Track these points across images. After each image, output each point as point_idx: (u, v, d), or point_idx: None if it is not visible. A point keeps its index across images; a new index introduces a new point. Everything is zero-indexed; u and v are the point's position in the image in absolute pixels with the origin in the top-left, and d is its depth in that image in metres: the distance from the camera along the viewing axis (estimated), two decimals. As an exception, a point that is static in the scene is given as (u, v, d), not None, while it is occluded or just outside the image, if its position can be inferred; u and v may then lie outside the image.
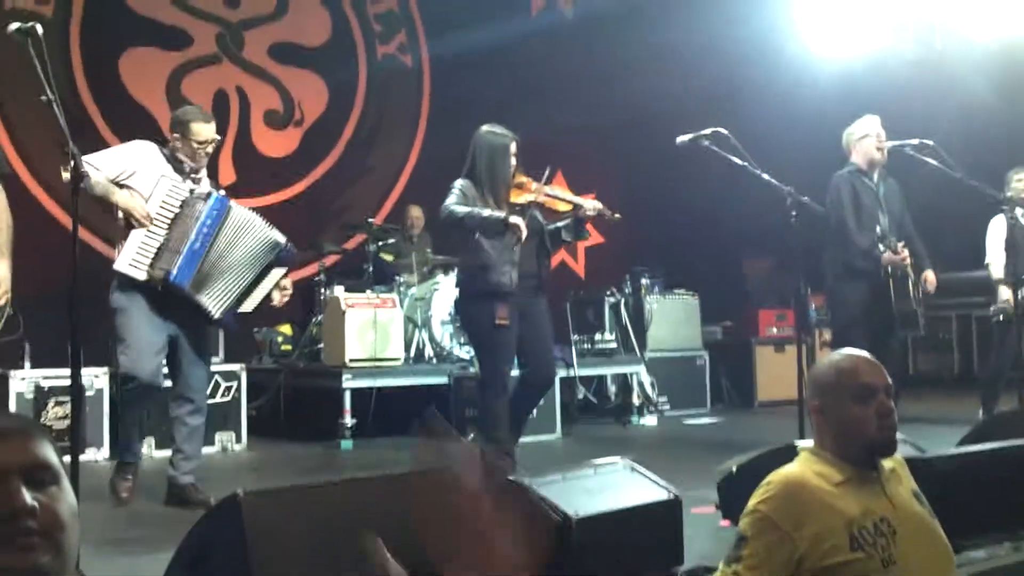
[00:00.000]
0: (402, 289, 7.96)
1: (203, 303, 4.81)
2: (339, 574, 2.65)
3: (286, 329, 8.41)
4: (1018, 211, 6.96)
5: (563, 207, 5.38)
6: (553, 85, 10.43)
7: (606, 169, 10.39)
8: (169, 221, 4.78)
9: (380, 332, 7.35)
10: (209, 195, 4.88)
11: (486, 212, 5.17)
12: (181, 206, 4.79)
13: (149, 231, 4.73)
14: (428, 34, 10.45)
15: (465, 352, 7.57)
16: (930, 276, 6.35)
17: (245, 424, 7.21)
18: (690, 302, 9.36)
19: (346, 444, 7.05)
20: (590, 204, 5.30)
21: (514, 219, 5.11)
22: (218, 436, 7.01)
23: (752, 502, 2.49)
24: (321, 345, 7.72)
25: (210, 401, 6.90)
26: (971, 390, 10.01)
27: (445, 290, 7.79)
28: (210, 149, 4.99)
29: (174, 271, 4.74)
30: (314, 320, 8.08)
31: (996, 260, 7.10)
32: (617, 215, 5.33)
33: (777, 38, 10.21)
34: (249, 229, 4.91)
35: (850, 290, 6.27)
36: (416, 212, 9.20)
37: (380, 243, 8.51)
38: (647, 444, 7.44)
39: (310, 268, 8.84)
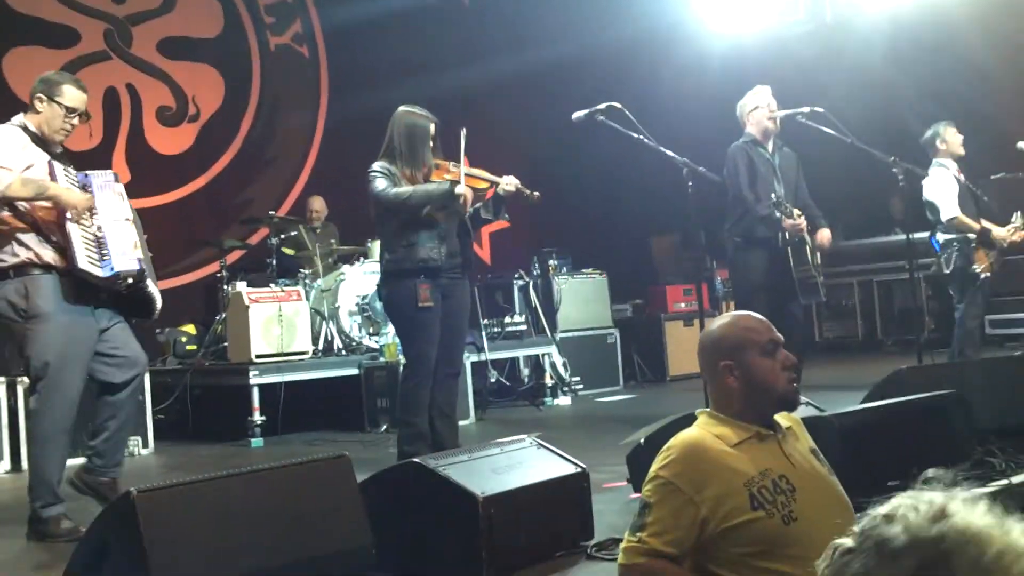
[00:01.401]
0: (307, 281, 7.84)
1: (151, 290, 4.51)
2: (237, 565, 2.60)
3: (190, 329, 8.23)
4: (953, 166, 7.09)
5: (482, 185, 5.32)
6: (451, 68, 10.36)
7: (507, 149, 10.37)
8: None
9: (286, 326, 7.24)
10: (115, 175, 4.58)
11: (429, 186, 5.08)
12: (84, 190, 4.38)
13: (82, 223, 4.28)
14: (324, 24, 10.30)
15: (374, 342, 7.50)
16: (824, 234, 6.41)
17: (151, 428, 7.02)
18: (599, 281, 9.40)
19: (257, 442, 6.93)
20: (507, 180, 5.25)
21: (460, 188, 5.02)
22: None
23: (653, 468, 2.50)
24: (226, 343, 7.57)
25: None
26: (875, 354, 10.30)
27: (351, 280, 7.70)
28: (76, 122, 4.46)
29: (135, 260, 4.36)
30: (218, 318, 7.92)
31: (957, 211, 7.01)
32: (536, 193, 5.30)
33: (672, 13, 10.29)
34: (124, 194, 4.58)
35: (751, 259, 6.33)
36: (318, 204, 9.07)
37: (282, 236, 8.38)
38: (561, 424, 7.47)
39: (212, 266, 8.67)
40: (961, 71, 10.15)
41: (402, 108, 5.30)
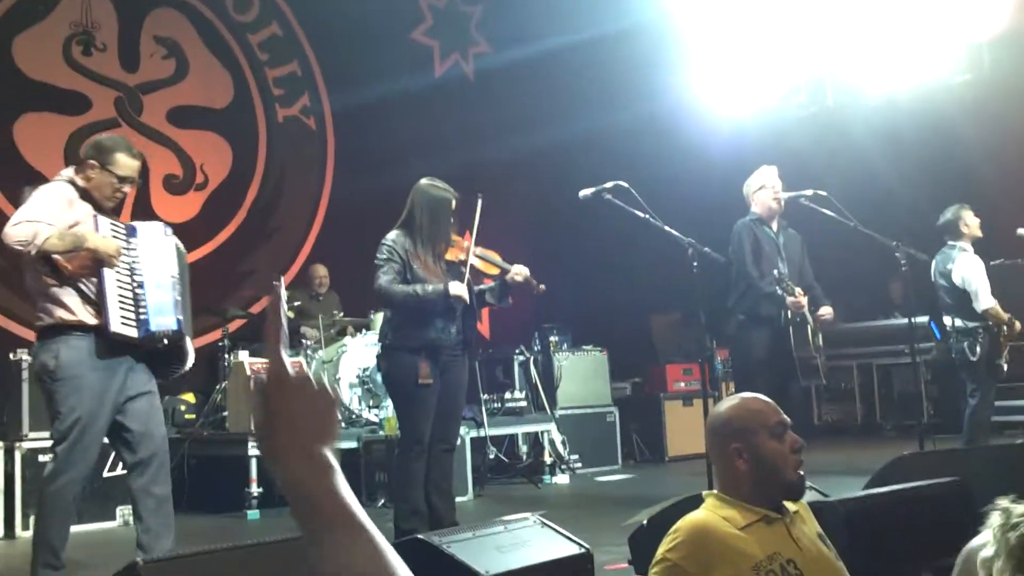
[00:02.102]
0: (309, 352, 7.83)
1: (186, 347, 4.46)
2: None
3: (189, 397, 8.20)
4: (969, 248, 7.12)
5: (491, 270, 5.35)
6: (456, 144, 10.48)
7: (511, 225, 10.44)
8: (128, 265, 4.29)
9: (286, 397, 7.19)
10: (165, 228, 4.52)
11: (426, 290, 5.06)
12: (128, 247, 4.30)
13: (120, 280, 4.24)
14: (331, 96, 10.45)
15: (374, 415, 7.47)
16: (826, 310, 6.42)
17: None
18: (599, 358, 9.39)
19: (253, 514, 6.86)
20: (517, 270, 5.28)
21: (455, 289, 5.04)
22: (119, 510, 6.75)
23: (661, 551, 2.49)
24: (226, 413, 7.53)
25: (109, 474, 6.72)
26: (874, 439, 10.26)
27: (353, 352, 7.69)
28: (127, 189, 4.44)
29: (173, 320, 4.31)
30: (218, 387, 7.89)
31: (993, 302, 7.02)
32: (542, 286, 5.33)
33: (676, 95, 10.44)
34: (180, 251, 4.55)
35: (754, 337, 6.35)
36: (322, 271, 9.10)
37: (286, 304, 8.39)
38: (559, 502, 7.40)
39: (214, 334, 8.67)
40: (958, 156, 10.29)
41: (424, 180, 5.31)
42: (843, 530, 2.97)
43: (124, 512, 6.77)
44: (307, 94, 10.40)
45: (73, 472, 4.23)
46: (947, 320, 7.20)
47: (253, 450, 6.91)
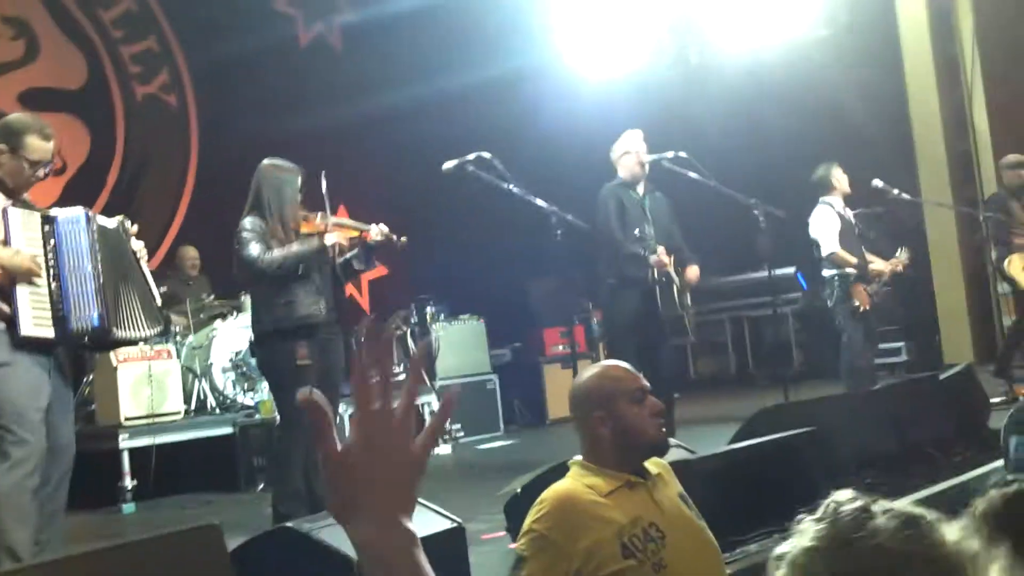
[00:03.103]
0: (178, 339, 7.65)
1: (120, 338, 4.26)
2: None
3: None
4: (839, 203, 7.34)
5: (351, 234, 5.30)
6: (327, 118, 10.32)
7: (382, 198, 10.35)
8: (43, 259, 4.02)
9: (156, 386, 7.04)
10: (85, 214, 4.18)
11: (300, 247, 5.01)
12: (44, 237, 4.03)
13: (34, 282, 3.96)
14: (192, 72, 10.15)
15: (249, 399, 7.36)
16: (692, 270, 6.54)
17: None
18: (476, 326, 9.42)
19: (129, 507, 6.69)
20: (375, 229, 5.24)
21: (331, 239, 5.02)
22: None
23: (527, 522, 2.54)
24: (94, 406, 7.32)
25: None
26: (748, 389, 10.55)
27: (224, 336, 7.55)
28: (41, 174, 4.13)
29: (95, 315, 4.06)
30: (86, 380, 7.64)
31: (836, 247, 7.23)
32: (404, 238, 5.30)
33: (541, 58, 10.47)
34: (108, 234, 4.26)
35: (623, 299, 6.43)
36: (192, 252, 8.83)
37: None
38: (441, 474, 7.41)
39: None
40: (822, 111, 10.59)
41: (267, 162, 5.26)
42: (704, 487, 3.06)
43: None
44: (166, 71, 10.08)
45: (26, 466, 3.94)
46: (822, 273, 7.48)
47: (126, 442, 6.73)
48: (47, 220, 4.08)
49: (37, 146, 4.07)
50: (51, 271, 4.03)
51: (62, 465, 4.18)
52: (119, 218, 4.41)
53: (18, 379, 3.98)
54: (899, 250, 7.48)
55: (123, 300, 4.25)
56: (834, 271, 7.27)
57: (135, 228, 4.49)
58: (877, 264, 7.36)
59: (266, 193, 5.15)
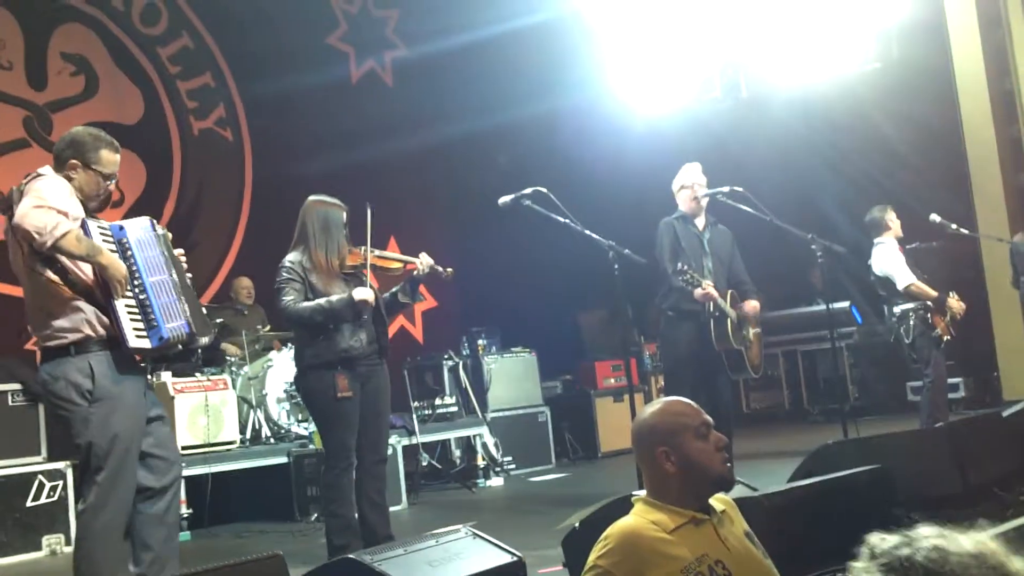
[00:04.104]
0: (233, 369, 7.73)
1: (200, 343, 4.19)
2: None
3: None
4: (894, 244, 7.38)
5: (394, 266, 5.34)
6: (378, 151, 10.43)
7: (436, 231, 10.44)
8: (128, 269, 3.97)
9: (213, 415, 7.12)
10: (151, 223, 4.17)
11: (331, 302, 5.04)
12: (120, 249, 3.98)
13: (124, 293, 3.92)
14: (247, 107, 10.31)
15: (303, 429, 7.40)
16: (751, 304, 6.50)
17: (74, 525, 6.79)
18: (528, 359, 9.41)
19: (184, 536, 6.70)
20: (420, 261, 5.27)
21: (359, 294, 5.03)
22: (45, 540, 6.60)
23: (591, 558, 2.52)
24: (151, 434, 7.39)
25: (34, 503, 6.57)
26: (802, 424, 10.45)
27: (279, 367, 7.61)
28: (111, 187, 4.14)
29: (183, 322, 4.01)
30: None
31: (913, 278, 7.26)
32: (449, 269, 5.34)
33: (592, 93, 10.50)
34: (167, 241, 4.21)
35: (679, 332, 6.40)
36: (246, 283, 8.92)
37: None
38: (494, 506, 7.41)
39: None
40: (870, 148, 10.52)
41: (312, 198, 5.32)
42: (769, 525, 3.02)
43: (50, 541, 6.62)
44: (222, 106, 10.24)
45: (119, 504, 3.90)
46: (890, 310, 7.41)
47: (189, 470, 6.79)
48: (117, 229, 4.04)
49: (109, 158, 4.10)
50: (134, 281, 3.99)
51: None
52: (161, 227, 4.35)
53: (125, 413, 3.94)
54: (951, 294, 7.40)
55: (192, 305, 4.19)
56: (910, 304, 7.22)
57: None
58: (952, 301, 7.30)
59: (311, 228, 5.20)
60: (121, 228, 4.04)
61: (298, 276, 5.11)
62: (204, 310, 4.46)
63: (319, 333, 5.10)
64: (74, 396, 3.88)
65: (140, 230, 4.11)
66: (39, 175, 4.00)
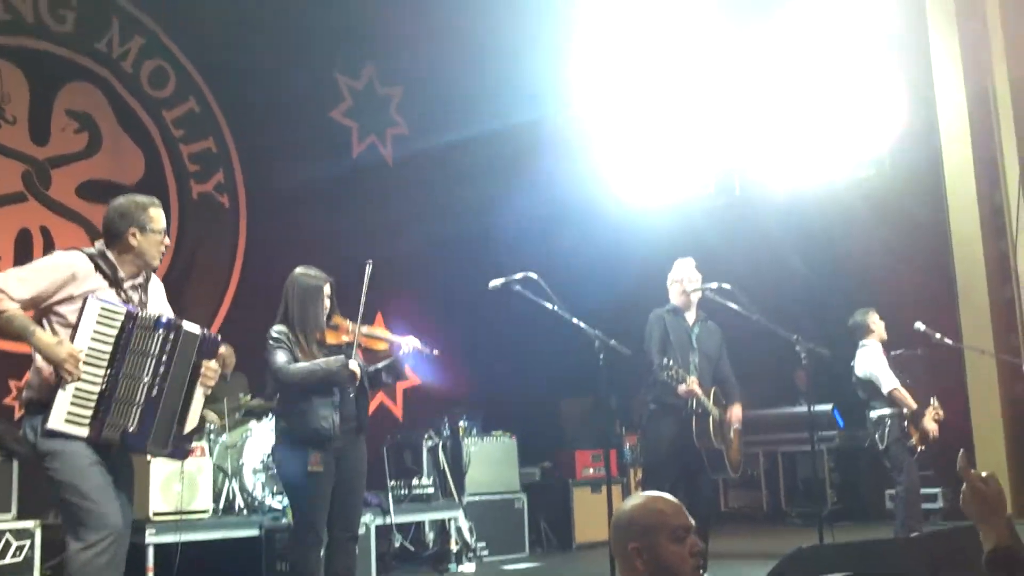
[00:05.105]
0: (212, 436, 7.67)
1: (156, 454, 4.24)
2: None
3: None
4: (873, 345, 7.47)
5: (380, 346, 5.35)
6: (372, 227, 10.49)
7: (423, 310, 10.43)
8: (108, 356, 3.97)
9: (187, 483, 7.03)
10: (158, 320, 4.12)
11: (328, 362, 5.06)
12: (120, 334, 3.98)
13: (86, 378, 3.91)
14: (246, 174, 10.38)
15: (278, 502, 7.32)
16: (734, 411, 6.54)
17: (38, 587, 6.67)
18: (508, 443, 9.35)
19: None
20: (407, 341, 5.29)
21: (353, 365, 5.05)
22: (5, 597, 6.49)
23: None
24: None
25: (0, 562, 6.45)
26: (780, 525, 10.37)
27: (258, 436, 7.56)
28: (168, 241, 4.30)
29: (132, 428, 3.99)
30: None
31: (896, 383, 7.35)
32: (435, 351, 5.34)
33: (589, 188, 10.65)
34: (187, 342, 4.18)
35: (662, 427, 6.41)
36: (227, 351, 8.89)
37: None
38: (465, 592, 7.32)
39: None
40: (860, 253, 10.64)
41: (298, 269, 5.35)
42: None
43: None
44: (222, 171, 10.32)
45: (106, 555, 3.91)
46: (870, 413, 7.44)
47: (152, 538, 6.68)
48: (130, 317, 4.04)
49: (159, 215, 4.25)
50: (110, 370, 3.98)
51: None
52: (213, 332, 4.35)
53: (78, 457, 3.92)
54: (932, 400, 7.47)
55: (163, 416, 4.13)
56: (888, 410, 7.26)
57: (226, 349, 4.42)
58: (929, 422, 7.34)
59: (290, 302, 5.24)
60: (132, 316, 4.03)
61: (286, 343, 5.13)
62: (188, 427, 4.29)
63: (297, 406, 5.08)
64: (32, 452, 3.99)
65: (147, 324, 4.08)
66: (60, 251, 4.22)
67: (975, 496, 2.57)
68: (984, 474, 2.63)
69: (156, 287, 4.45)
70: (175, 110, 10.05)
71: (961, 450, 2.72)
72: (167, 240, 4.32)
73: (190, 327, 4.24)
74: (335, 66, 11.10)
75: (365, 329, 5.28)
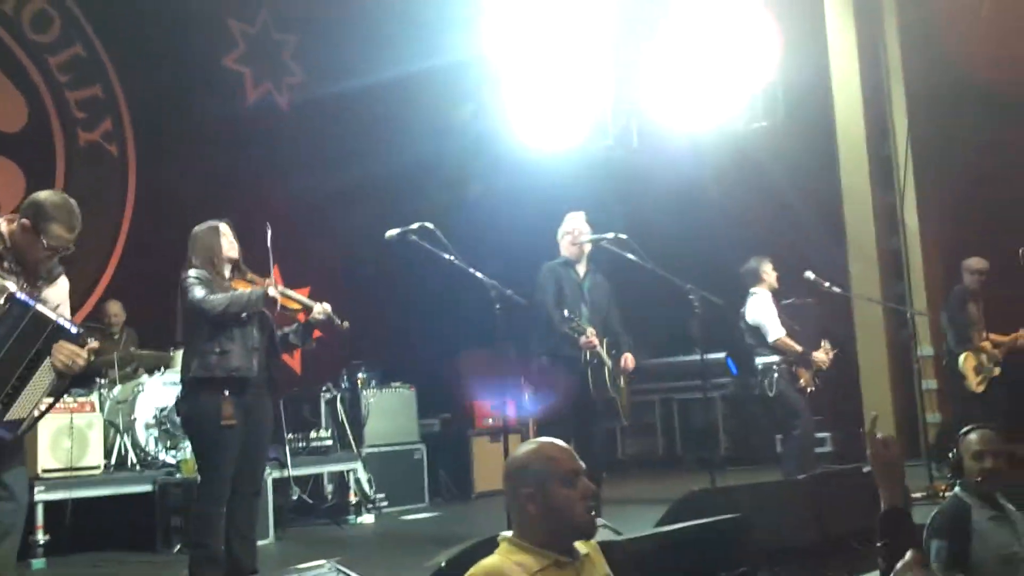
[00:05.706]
0: (103, 392, 7.49)
1: None
2: None
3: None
4: (768, 295, 7.59)
5: (293, 306, 5.27)
6: (267, 174, 10.30)
7: (321, 260, 10.32)
8: None
9: (77, 438, 6.87)
10: (12, 295, 3.89)
11: (246, 292, 5.01)
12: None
13: None
14: (135, 123, 10.06)
15: (172, 457, 7.21)
16: (627, 359, 6.62)
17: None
18: (407, 394, 9.35)
19: (38, 563, 6.47)
20: (320, 308, 5.22)
21: (273, 291, 5.00)
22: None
23: (453, 598, 2.51)
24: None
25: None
26: (675, 470, 10.60)
27: (150, 391, 7.42)
28: (52, 259, 4.13)
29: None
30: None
31: (782, 332, 7.46)
32: (346, 323, 5.29)
33: (491, 134, 10.57)
34: (38, 324, 3.91)
35: (556, 377, 6.46)
36: (115, 308, 8.68)
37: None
38: (364, 543, 7.31)
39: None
40: (759, 199, 10.81)
41: (198, 227, 5.29)
42: (631, 569, 3.06)
43: None
44: (110, 119, 9.99)
45: None
46: (756, 361, 7.57)
47: (41, 495, 6.52)
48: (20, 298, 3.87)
49: (59, 235, 4.04)
50: None
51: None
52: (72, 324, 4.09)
53: None
54: (822, 342, 7.64)
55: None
56: (774, 358, 7.40)
57: (93, 343, 4.20)
58: (819, 353, 7.50)
59: (195, 249, 5.19)
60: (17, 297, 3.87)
61: (204, 280, 5.05)
62: (14, 414, 3.96)
63: (214, 347, 4.99)
64: None
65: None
66: None
67: (874, 459, 2.67)
68: (880, 435, 2.75)
69: (60, 283, 4.28)
70: (60, 55, 9.67)
71: (874, 413, 2.85)
72: (52, 258, 4.14)
73: (44, 310, 3.97)
74: (229, 12, 10.80)
75: (281, 288, 5.21)
